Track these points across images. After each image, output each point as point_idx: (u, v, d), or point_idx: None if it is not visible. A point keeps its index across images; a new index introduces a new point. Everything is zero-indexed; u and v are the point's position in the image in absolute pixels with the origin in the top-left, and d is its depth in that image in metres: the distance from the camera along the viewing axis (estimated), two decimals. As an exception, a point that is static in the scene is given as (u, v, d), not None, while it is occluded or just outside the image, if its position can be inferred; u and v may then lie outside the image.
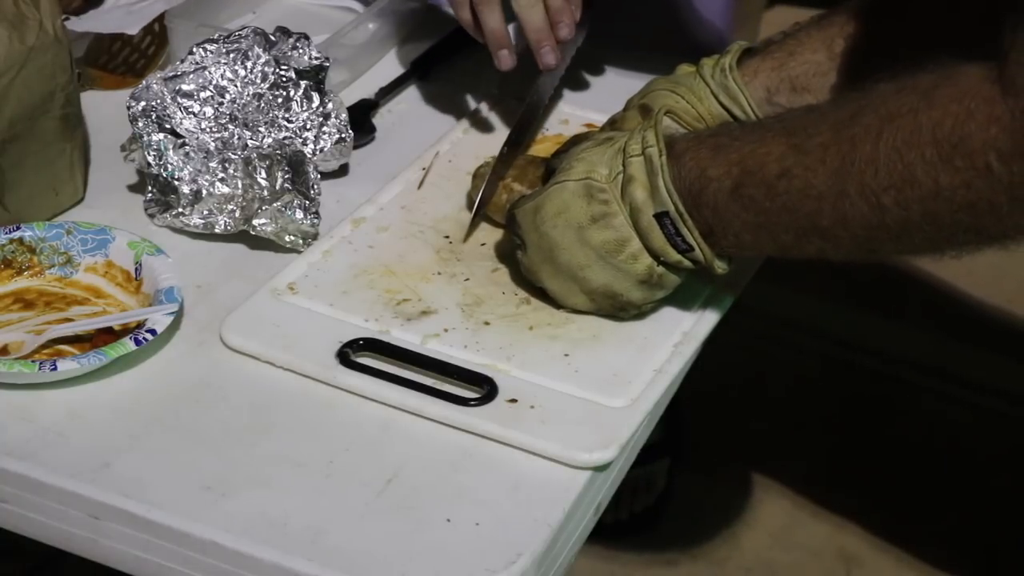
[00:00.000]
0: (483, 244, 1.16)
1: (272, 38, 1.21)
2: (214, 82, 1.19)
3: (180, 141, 1.16)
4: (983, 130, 0.88)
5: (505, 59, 1.26)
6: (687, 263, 1.04)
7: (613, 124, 1.22)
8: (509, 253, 1.14)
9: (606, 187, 1.04)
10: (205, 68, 1.19)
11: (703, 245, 1.02)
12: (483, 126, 1.32)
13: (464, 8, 1.26)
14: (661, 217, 1.02)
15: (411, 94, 1.39)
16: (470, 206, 1.19)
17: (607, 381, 1.02)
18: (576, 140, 1.20)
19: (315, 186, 1.15)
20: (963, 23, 1.10)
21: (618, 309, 1.07)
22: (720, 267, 1.04)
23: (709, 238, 1.02)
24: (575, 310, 1.08)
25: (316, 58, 1.22)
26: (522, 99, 1.28)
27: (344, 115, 1.23)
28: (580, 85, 1.40)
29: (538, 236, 1.06)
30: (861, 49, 1.16)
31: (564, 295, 1.08)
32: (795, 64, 1.18)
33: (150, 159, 1.15)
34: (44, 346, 1.04)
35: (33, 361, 0.99)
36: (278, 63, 1.21)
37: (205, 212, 1.15)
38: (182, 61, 1.19)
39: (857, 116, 0.94)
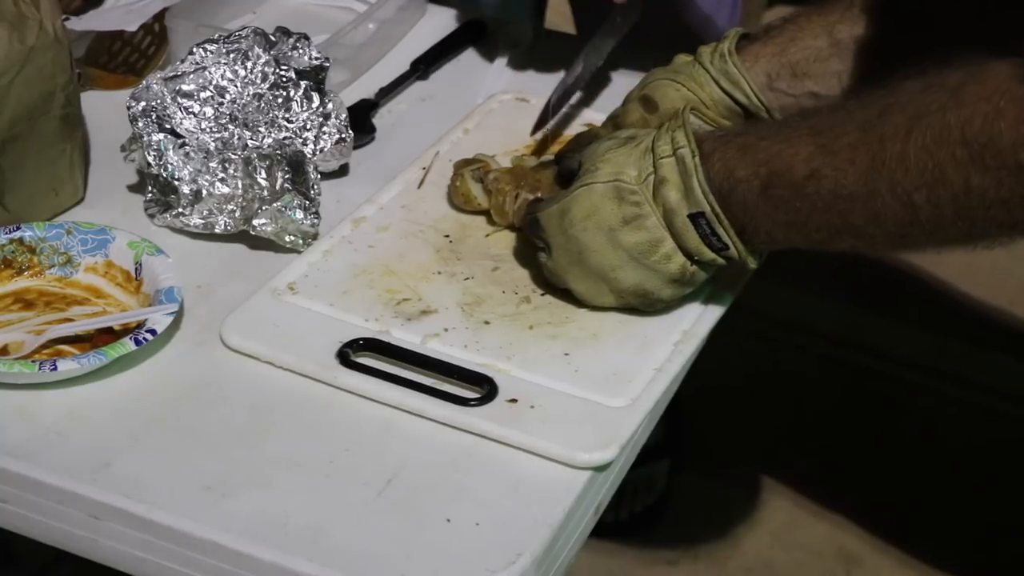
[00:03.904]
0: (483, 243, 1.16)
1: (272, 38, 1.21)
2: (214, 82, 1.19)
3: (180, 141, 1.16)
4: (1013, 129, 0.88)
5: None
6: (721, 260, 1.04)
7: (615, 120, 1.21)
8: (511, 253, 1.14)
9: (637, 189, 1.03)
10: (205, 68, 1.19)
11: (738, 243, 1.02)
12: (483, 126, 1.32)
13: None
14: (696, 217, 1.02)
15: (411, 94, 1.39)
16: (451, 200, 1.20)
17: (607, 380, 1.02)
18: (581, 139, 1.20)
19: (315, 186, 1.15)
20: (967, 9, 1.10)
21: (647, 305, 1.07)
22: (754, 262, 1.04)
23: (741, 236, 1.02)
24: (600, 308, 1.08)
25: (316, 58, 1.22)
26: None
27: (344, 115, 1.23)
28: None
29: (566, 239, 1.06)
30: (863, 35, 1.16)
31: (592, 296, 1.08)
32: (796, 50, 1.18)
33: (150, 159, 1.15)
34: (44, 346, 1.04)
35: (33, 361, 0.99)
36: (278, 63, 1.21)
37: (205, 212, 1.15)
38: (182, 61, 1.19)
39: (884, 115, 0.94)
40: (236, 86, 1.19)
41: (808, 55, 1.17)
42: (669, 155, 1.03)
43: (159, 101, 1.17)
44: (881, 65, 0.98)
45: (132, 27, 1.33)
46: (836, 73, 1.17)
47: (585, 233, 1.05)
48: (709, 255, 1.04)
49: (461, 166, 1.19)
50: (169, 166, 1.15)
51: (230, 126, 1.18)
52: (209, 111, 1.18)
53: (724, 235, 1.02)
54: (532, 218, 1.09)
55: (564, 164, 1.14)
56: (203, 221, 1.15)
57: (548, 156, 1.25)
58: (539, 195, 1.15)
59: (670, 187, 1.02)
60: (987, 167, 0.89)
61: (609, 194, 1.04)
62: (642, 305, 1.07)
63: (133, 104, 1.16)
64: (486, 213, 1.18)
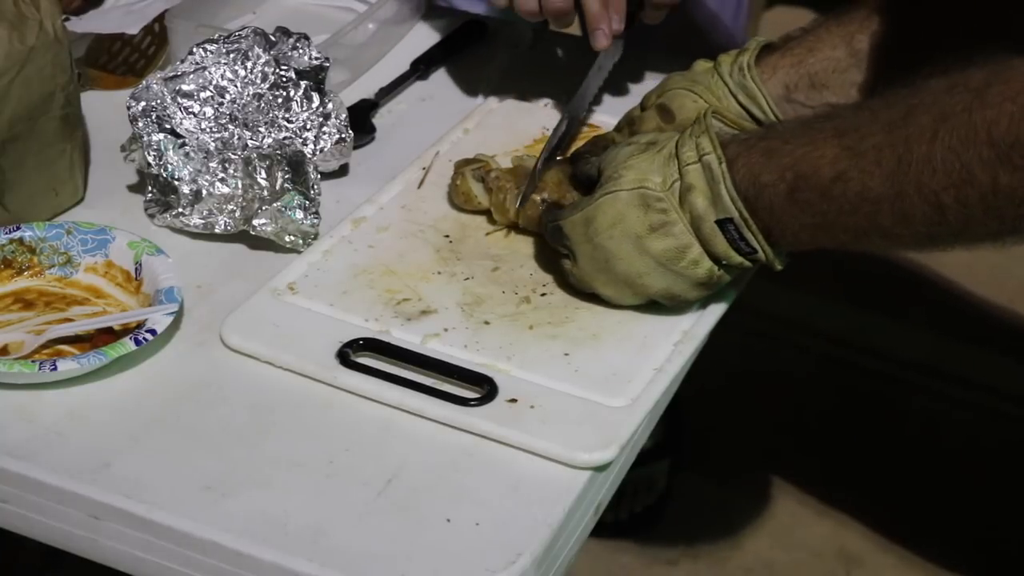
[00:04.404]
0: (483, 243, 1.16)
1: (272, 38, 1.21)
2: (214, 82, 1.19)
3: (180, 141, 1.16)
4: None
5: (602, 38, 1.25)
6: (748, 264, 1.05)
7: (632, 124, 1.21)
8: (511, 253, 1.14)
9: (663, 196, 1.03)
10: (205, 68, 1.19)
11: (766, 247, 1.02)
12: (483, 126, 1.32)
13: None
14: (724, 223, 1.02)
15: (411, 94, 1.39)
16: (451, 199, 1.19)
17: (607, 380, 1.02)
18: (597, 142, 1.20)
19: (315, 186, 1.15)
20: (989, 20, 1.10)
21: (674, 305, 1.08)
22: (780, 264, 1.05)
23: (768, 239, 1.02)
24: (616, 306, 1.08)
25: (316, 58, 1.22)
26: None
27: (344, 115, 1.23)
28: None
29: (592, 247, 1.06)
30: (882, 45, 1.16)
31: (619, 299, 1.08)
32: (815, 60, 1.17)
33: (150, 159, 1.15)
34: (44, 346, 1.04)
35: (33, 361, 0.99)
36: (278, 63, 1.21)
37: (205, 212, 1.15)
38: (182, 61, 1.19)
39: (909, 116, 0.94)
40: (236, 86, 1.19)
41: (827, 66, 1.17)
42: (695, 161, 1.03)
43: (159, 101, 1.17)
44: (900, 75, 0.98)
45: (133, 30, 1.33)
46: (855, 83, 1.17)
47: (611, 241, 1.05)
48: (737, 259, 1.04)
49: (462, 165, 1.20)
50: (169, 166, 1.15)
51: (230, 126, 1.18)
52: (209, 111, 1.18)
53: (752, 239, 1.02)
54: (555, 226, 1.08)
55: (580, 168, 1.14)
56: (203, 221, 1.15)
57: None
58: (545, 195, 1.15)
59: (697, 193, 1.02)
60: (1015, 166, 0.89)
61: (634, 201, 1.04)
62: (669, 304, 1.08)
63: (133, 104, 1.16)
64: (487, 213, 1.19)
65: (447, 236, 1.17)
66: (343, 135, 1.22)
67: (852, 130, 0.97)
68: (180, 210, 1.15)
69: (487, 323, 1.07)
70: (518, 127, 1.31)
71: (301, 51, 1.22)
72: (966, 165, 0.91)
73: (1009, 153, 0.89)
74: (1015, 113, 0.89)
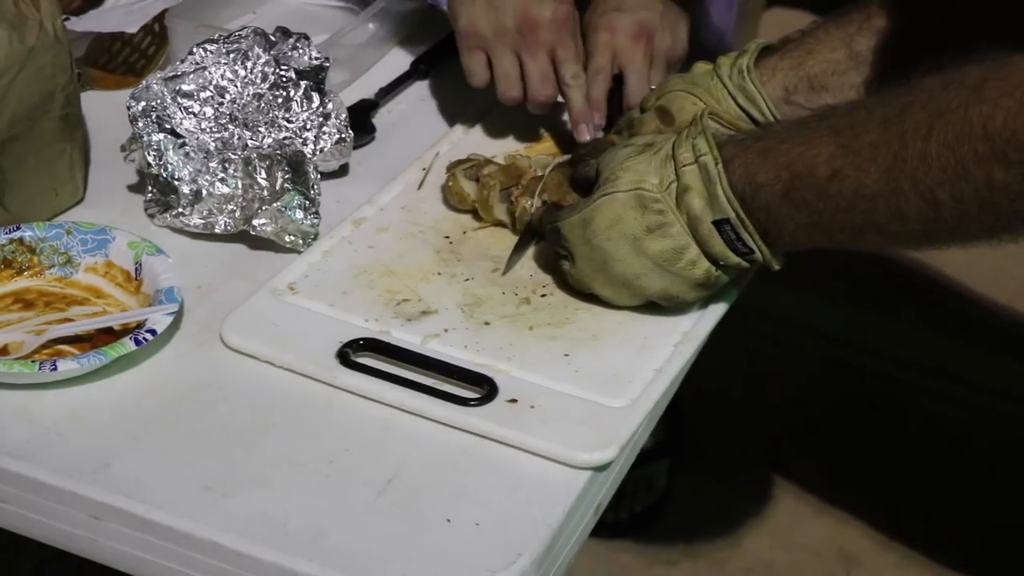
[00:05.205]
0: (483, 244, 1.16)
1: (272, 38, 1.21)
2: (214, 82, 1.19)
3: (180, 141, 1.16)
4: None
5: (585, 132, 1.25)
6: (746, 264, 1.05)
7: (631, 126, 1.21)
8: (511, 254, 1.14)
9: (660, 197, 1.03)
10: (205, 68, 1.19)
11: (763, 247, 1.03)
12: (483, 126, 1.32)
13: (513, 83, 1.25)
14: (721, 224, 1.02)
15: (411, 94, 1.39)
16: (447, 201, 1.20)
17: (607, 381, 1.02)
18: (598, 144, 1.20)
19: (315, 186, 1.15)
20: (990, 24, 1.10)
21: (672, 306, 1.08)
22: (777, 264, 1.05)
23: (765, 239, 1.02)
24: (612, 307, 1.09)
25: (316, 58, 1.22)
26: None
27: (344, 115, 1.23)
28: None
29: (589, 249, 1.06)
30: (881, 47, 1.16)
31: (618, 299, 1.08)
32: (813, 63, 1.18)
33: (150, 159, 1.15)
34: (44, 346, 1.04)
35: (33, 361, 0.99)
36: (278, 63, 1.21)
37: (205, 212, 1.15)
38: (182, 61, 1.19)
39: (905, 113, 0.94)
40: (236, 86, 1.19)
41: (826, 68, 1.17)
42: (691, 162, 1.03)
43: (159, 101, 1.17)
44: (900, 77, 0.98)
45: (132, 29, 1.33)
46: (854, 86, 1.17)
47: (609, 243, 1.05)
48: (734, 259, 1.04)
49: (454, 166, 1.19)
50: (169, 166, 1.15)
51: (230, 126, 1.18)
52: (209, 111, 1.18)
53: (749, 240, 1.02)
54: (553, 227, 1.09)
55: (579, 170, 1.14)
56: (203, 221, 1.15)
57: (547, 156, 1.25)
58: (545, 197, 1.15)
59: (694, 195, 1.02)
60: (1010, 162, 0.89)
61: (632, 203, 1.04)
62: (668, 305, 1.08)
63: (133, 104, 1.16)
64: None
65: (447, 237, 1.17)
66: (343, 135, 1.22)
67: (847, 128, 0.97)
68: (180, 210, 1.15)
69: (487, 324, 1.07)
70: (518, 127, 1.31)
71: (301, 51, 1.22)
72: (961, 161, 0.91)
73: (1004, 148, 0.89)
74: (1012, 108, 0.89)
